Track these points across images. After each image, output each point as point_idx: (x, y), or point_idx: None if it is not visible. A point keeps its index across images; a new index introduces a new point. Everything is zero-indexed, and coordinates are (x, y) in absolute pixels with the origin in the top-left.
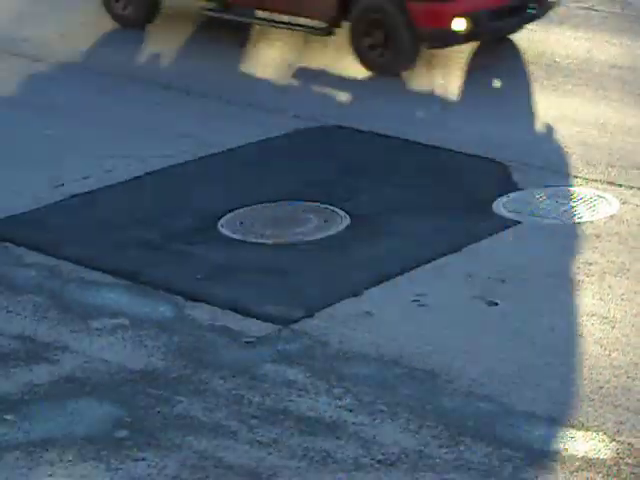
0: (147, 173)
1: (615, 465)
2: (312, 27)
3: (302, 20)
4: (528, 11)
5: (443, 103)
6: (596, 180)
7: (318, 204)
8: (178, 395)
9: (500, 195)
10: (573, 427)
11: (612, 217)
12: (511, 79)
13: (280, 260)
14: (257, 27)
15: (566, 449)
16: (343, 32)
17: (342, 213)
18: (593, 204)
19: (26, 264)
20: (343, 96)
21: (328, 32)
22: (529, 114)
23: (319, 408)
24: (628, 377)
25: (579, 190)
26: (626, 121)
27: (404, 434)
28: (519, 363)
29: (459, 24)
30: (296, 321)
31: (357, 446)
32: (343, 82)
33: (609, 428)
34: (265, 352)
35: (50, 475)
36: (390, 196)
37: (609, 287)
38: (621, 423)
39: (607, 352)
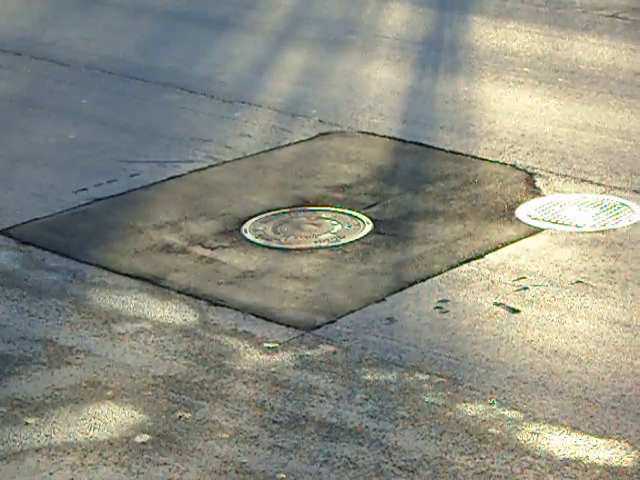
0: (170, 177)
1: (637, 473)
2: None
3: None
4: None
5: (467, 109)
6: (620, 188)
7: (341, 210)
8: (200, 400)
9: (523, 202)
10: (595, 435)
11: (635, 225)
12: (534, 87)
13: (303, 266)
14: (280, 30)
15: (587, 457)
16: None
17: (365, 219)
18: (616, 212)
19: (49, 268)
20: (366, 100)
21: None
22: (552, 121)
23: (341, 414)
24: None
25: (602, 198)
26: None
27: (425, 441)
28: (541, 370)
29: None
30: (318, 327)
31: (378, 452)
32: (367, 86)
33: (631, 436)
34: (287, 358)
35: (71, 479)
36: (413, 202)
37: (632, 295)
38: None
39: (629, 360)
